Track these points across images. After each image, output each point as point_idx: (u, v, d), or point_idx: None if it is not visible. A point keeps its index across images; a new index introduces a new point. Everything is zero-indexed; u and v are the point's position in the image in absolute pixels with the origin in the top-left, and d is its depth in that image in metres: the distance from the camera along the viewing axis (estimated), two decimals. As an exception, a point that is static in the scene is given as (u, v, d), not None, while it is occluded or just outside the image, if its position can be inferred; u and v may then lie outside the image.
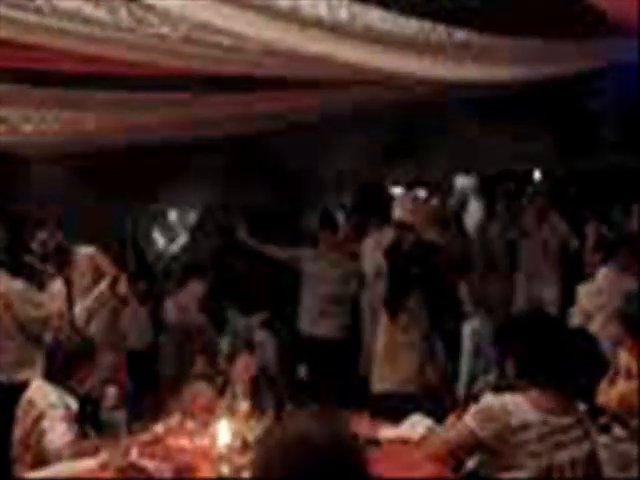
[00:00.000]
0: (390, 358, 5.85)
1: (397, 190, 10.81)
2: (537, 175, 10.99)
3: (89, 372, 4.47)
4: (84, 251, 6.66)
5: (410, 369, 5.78)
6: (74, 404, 4.30)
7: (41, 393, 4.30)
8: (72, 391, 4.32)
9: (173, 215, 11.75)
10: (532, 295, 7.75)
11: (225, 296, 8.41)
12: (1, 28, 3.94)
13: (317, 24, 4.28)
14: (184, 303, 7.92)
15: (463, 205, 9.79)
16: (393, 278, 5.91)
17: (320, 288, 7.59)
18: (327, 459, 1.76)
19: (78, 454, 4.00)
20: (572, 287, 6.98)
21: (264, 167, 11.19)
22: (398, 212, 6.39)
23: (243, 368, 4.89)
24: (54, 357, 4.43)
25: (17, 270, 5.90)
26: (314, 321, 7.63)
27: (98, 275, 6.30)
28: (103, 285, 5.96)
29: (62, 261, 6.35)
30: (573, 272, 7.55)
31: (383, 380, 5.89)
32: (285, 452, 1.77)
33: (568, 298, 6.87)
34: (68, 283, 6.32)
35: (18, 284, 5.72)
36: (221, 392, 4.65)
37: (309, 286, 7.74)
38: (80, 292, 6.48)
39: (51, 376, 4.36)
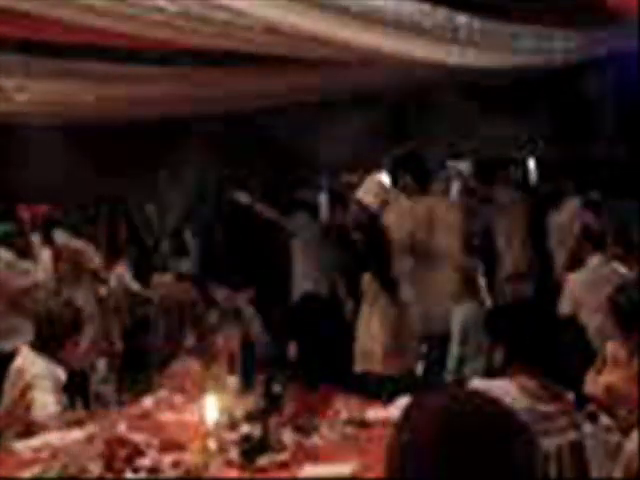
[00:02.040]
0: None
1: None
2: (531, 162, 11.02)
3: (77, 342, 4.47)
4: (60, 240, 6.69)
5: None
6: (62, 374, 4.30)
7: (29, 363, 4.30)
8: (60, 361, 4.33)
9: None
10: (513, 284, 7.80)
11: (212, 271, 8.42)
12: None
13: (317, 5, 4.27)
14: (171, 278, 7.97)
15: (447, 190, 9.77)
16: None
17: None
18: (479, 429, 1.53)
19: (66, 425, 4.01)
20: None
21: (262, 143, 11.17)
22: (360, 192, 6.39)
23: (225, 342, 4.90)
24: (42, 326, 4.43)
25: (4, 239, 5.87)
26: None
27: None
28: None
29: (48, 233, 6.37)
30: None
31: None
32: (437, 424, 1.54)
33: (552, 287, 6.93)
34: (56, 252, 6.33)
35: (3, 253, 5.69)
36: (207, 366, 4.65)
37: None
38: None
39: (39, 346, 4.36)
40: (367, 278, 6.10)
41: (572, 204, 8.10)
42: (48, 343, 4.34)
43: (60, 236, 6.77)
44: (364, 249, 6.20)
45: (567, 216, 7.98)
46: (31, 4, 4.10)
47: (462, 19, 5.04)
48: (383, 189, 6.30)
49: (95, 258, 6.81)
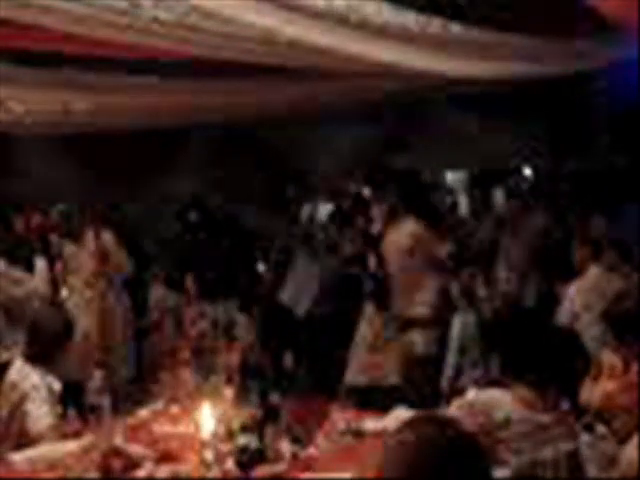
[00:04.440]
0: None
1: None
2: (528, 172, 11.05)
3: (70, 353, 4.45)
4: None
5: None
6: (57, 385, 4.29)
7: (23, 374, 4.28)
8: (54, 372, 4.31)
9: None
10: (513, 293, 7.79)
11: (202, 283, 8.42)
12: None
13: (315, 15, 4.28)
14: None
15: (454, 201, 9.84)
16: None
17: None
18: (453, 459, 1.79)
19: (61, 437, 4.00)
20: (553, 287, 7.07)
21: (261, 153, 11.22)
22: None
23: (225, 355, 4.89)
24: (35, 337, 4.41)
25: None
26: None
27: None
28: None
29: (46, 241, 6.35)
30: (555, 271, 7.64)
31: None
32: (413, 454, 1.80)
33: (550, 297, 6.92)
34: (51, 263, 6.31)
35: None
36: (204, 379, 4.64)
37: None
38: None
39: (32, 357, 4.34)
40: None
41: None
42: (41, 353, 4.32)
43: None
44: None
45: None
46: (30, 15, 4.11)
47: (458, 29, 5.04)
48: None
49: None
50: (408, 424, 1.88)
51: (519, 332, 3.40)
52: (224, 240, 9.25)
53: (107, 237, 6.74)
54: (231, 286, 8.38)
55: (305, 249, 8.71)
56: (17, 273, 5.72)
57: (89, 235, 6.66)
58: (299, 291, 8.31)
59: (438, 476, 1.76)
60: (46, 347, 4.32)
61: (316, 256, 8.55)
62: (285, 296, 8.46)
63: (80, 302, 6.49)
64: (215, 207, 10.69)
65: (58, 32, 4.43)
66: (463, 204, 10.47)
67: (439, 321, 5.94)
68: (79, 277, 6.60)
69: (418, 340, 5.79)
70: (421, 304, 5.83)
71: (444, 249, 6.03)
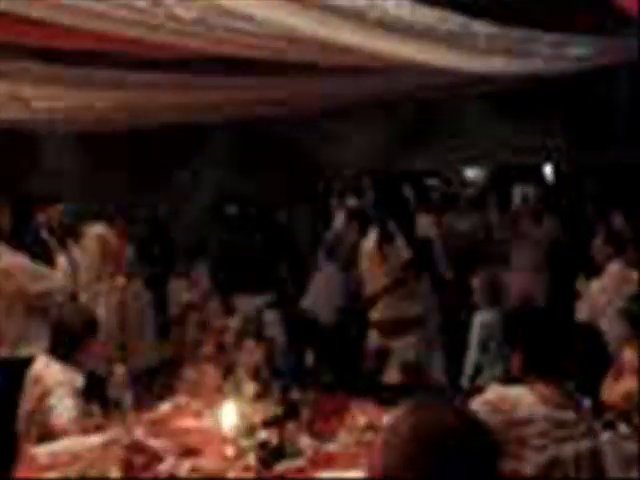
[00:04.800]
0: None
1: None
2: (548, 169, 11.01)
3: (94, 348, 4.49)
4: (93, 230, 6.72)
5: None
6: (80, 380, 4.32)
7: (47, 369, 4.32)
8: (77, 367, 4.35)
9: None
10: (523, 293, 7.79)
11: (231, 278, 8.45)
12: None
13: (335, 11, 4.28)
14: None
15: (484, 196, 9.79)
16: None
17: None
18: (463, 441, 1.74)
19: (84, 431, 4.03)
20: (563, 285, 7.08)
21: (281, 150, 11.24)
22: None
23: (249, 353, 4.91)
24: (59, 332, 4.45)
25: (22, 245, 5.88)
26: None
27: (105, 252, 6.38)
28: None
29: (66, 237, 6.39)
30: (564, 271, 7.64)
31: None
32: (422, 436, 1.75)
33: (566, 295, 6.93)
34: (73, 258, 6.35)
35: (21, 258, 5.69)
36: (226, 375, 4.67)
37: None
38: (87, 270, 6.55)
39: (56, 352, 4.38)
40: None
41: None
42: (64, 349, 4.36)
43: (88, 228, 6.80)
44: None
45: None
46: (47, 12, 4.13)
47: (478, 26, 5.03)
48: None
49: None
50: (406, 411, 1.84)
51: (540, 329, 3.38)
52: (258, 235, 9.24)
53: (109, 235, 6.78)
54: (263, 282, 8.39)
55: (329, 257, 8.68)
56: (40, 270, 5.74)
57: (91, 232, 6.69)
58: (321, 302, 8.33)
59: (437, 465, 1.71)
60: (70, 343, 4.36)
61: (338, 263, 8.51)
62: (307, 303, 8.47)
63: (94, 296, 6.53)
64: (249, 202, 10.70)
65: (87, 31, 4.45)
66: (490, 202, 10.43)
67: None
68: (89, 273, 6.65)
69: None
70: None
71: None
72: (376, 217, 6.54)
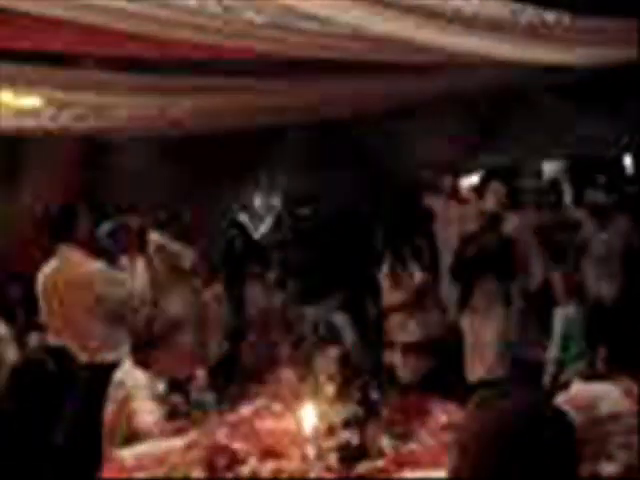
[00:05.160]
0: None
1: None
2: (628, 161, 10.77)
3: (174, 352, 4.54)
4: (153, 237, 6.81)
5: None
6: (162, 384, 4.38)
7: (130, 374, 4.39)
8: (158, 371, 4.41)
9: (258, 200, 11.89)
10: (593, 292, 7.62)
11: (299, 282, 8.46)
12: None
13: (407, 9, 4.26)
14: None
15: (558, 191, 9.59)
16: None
17: None
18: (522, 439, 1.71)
19: (166, 433, 4.09)
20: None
21: (358, 150, 11.23)
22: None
23: (326, 358, 4.91)
24: (139, 337, 4.51)
25: (101, 251, 5.97)
26: None
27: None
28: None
29: (143, 242, 6.48)
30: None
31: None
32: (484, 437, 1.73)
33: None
34: (150, 263, 6.45)
35: (98, 264, 5.76)
36: (304, 378, 4.66)
37: None
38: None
39: (138, 356, 4.45)
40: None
41: None
42: (145, 353, 4.42)
43: (156, 237, 6.89)
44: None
45: None
46: (127, 23, 4.21)
47: (551, 16, 4.95)
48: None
49: (191, 262, 6.98)
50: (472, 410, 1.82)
51: (625, 323, 3.30)
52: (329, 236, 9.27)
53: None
54: (333, 285, 8.38)
55: None
56: (118, 275, 5.82)
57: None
58: None
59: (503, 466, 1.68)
60: (151, 347, 4.42)
61: None
62: None
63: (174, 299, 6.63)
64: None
65: (154, 39, 4.52)
66: (567, 195, 10.20)
67: None
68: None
69: None
70: None
71: None
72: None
